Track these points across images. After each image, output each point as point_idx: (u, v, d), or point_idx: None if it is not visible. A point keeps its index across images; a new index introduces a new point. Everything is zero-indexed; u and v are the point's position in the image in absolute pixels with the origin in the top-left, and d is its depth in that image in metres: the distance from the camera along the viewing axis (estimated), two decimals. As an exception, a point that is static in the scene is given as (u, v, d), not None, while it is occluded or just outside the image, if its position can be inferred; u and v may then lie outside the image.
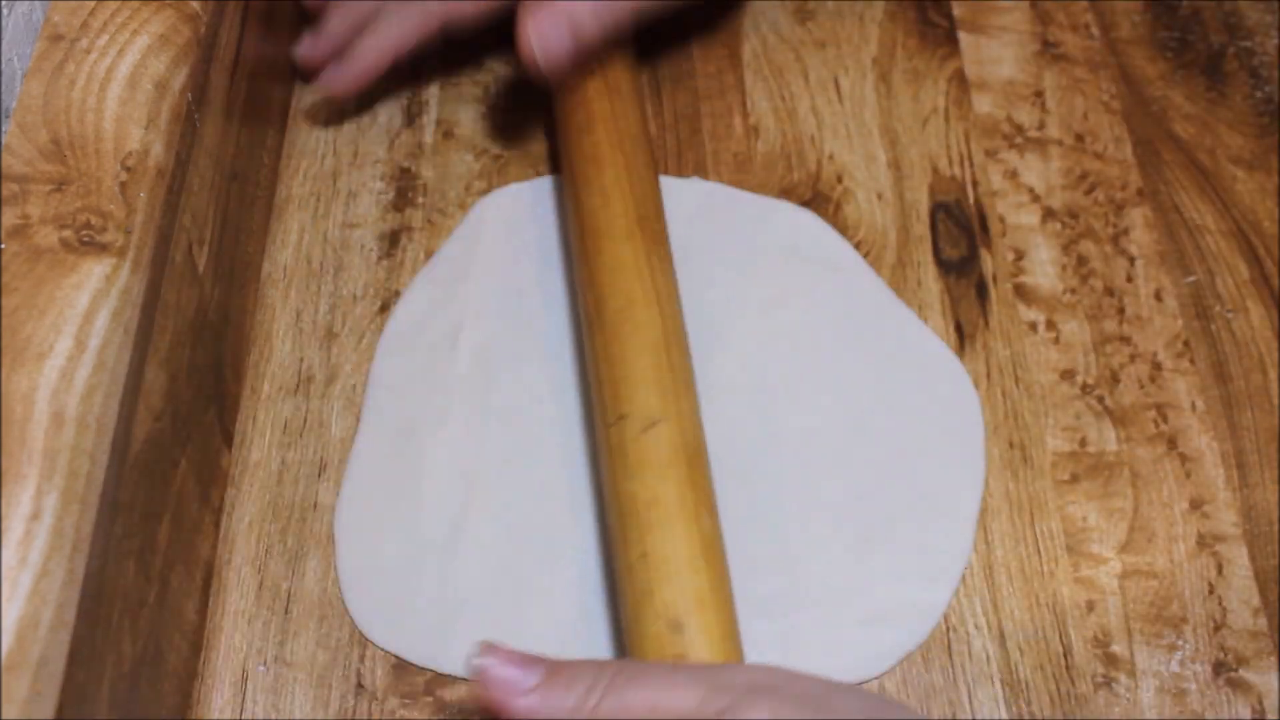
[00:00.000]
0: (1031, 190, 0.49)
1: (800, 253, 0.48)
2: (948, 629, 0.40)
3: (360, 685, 0.39)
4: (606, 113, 0.45)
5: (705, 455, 0.38)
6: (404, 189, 0.49)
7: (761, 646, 0.39)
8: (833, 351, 0.45)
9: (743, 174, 0.50)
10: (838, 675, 0.39)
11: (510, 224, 0.48)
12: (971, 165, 0.50)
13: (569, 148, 0.45)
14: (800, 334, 0.46)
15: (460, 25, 0.48)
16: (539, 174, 0.50)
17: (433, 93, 0.52)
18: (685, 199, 0.49)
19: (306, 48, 0.50)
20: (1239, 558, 0.42)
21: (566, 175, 0.45)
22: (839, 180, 0.50)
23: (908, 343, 0.46)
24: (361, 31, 0.49)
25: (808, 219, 0.48)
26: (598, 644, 0.40)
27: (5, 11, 0.41)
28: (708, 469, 0.38)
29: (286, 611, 0.40)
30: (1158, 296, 0.47)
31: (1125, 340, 0.46)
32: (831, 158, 0.50)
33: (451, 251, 0.48)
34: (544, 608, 0.40)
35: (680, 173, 0.50)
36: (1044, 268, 0.48)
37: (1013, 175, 0.50)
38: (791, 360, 0.45)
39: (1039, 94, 0.52)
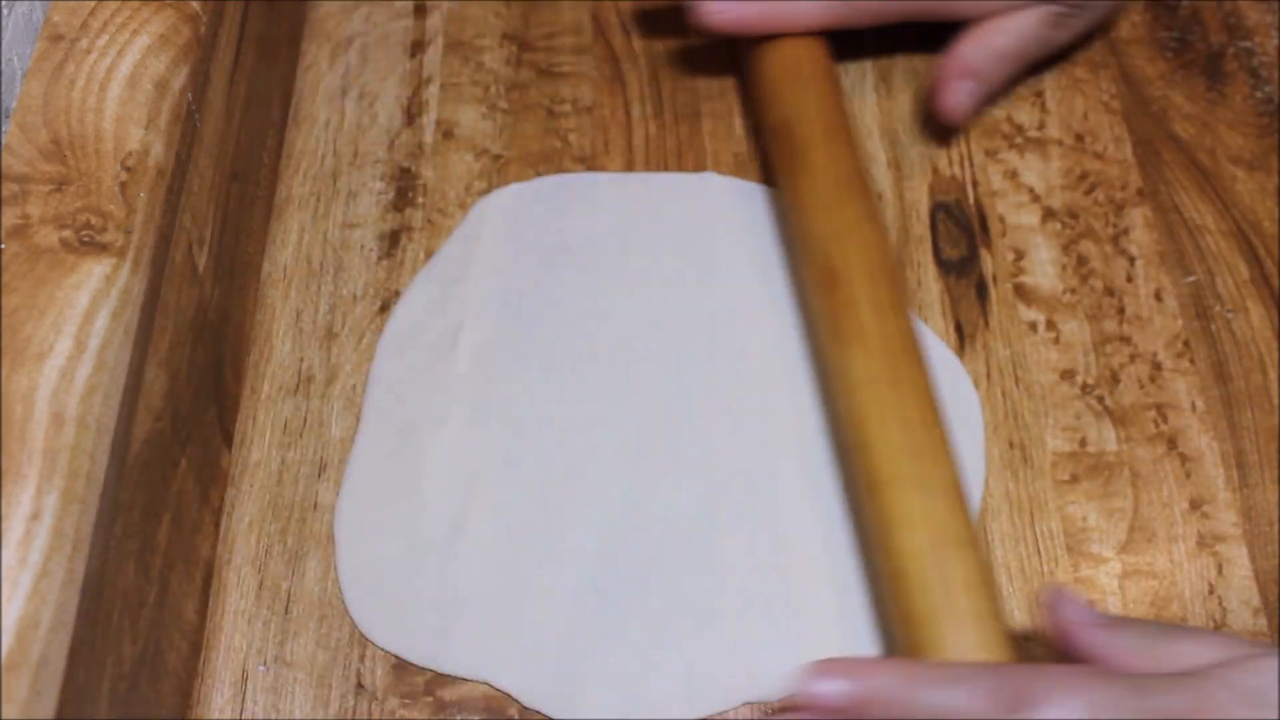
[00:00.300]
0: (1031, 190, 0.49)
1: None
2: (948, 629, 0.40)
3: (360, 685, 0.39)
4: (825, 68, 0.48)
5: None
6: (404, 189, 0.49)
7: (764, 647, 0.40)
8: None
9: (743, 174, 0.50)
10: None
11: (510, 224, 0.48)
12: (971, 165, 0.50)
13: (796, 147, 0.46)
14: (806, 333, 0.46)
15: (859, 26, 0.49)
16: (539, 174, 0.50)
17: (433, 93, 0.52)
18: (700, 193, 0.49)
19: None
20: (1239, 558, 0.42)
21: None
22: (839, 180, 0.50)
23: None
24: None
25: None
26: (598, 645, 0.40)
27: (5, 11, 0.41)
28: None
29: (286, 611, 0.40)
30: (1158, 296, 0.47)
31: (1125, 340, 0.46)
32: (831, 158, 0.50)
33: (451, 251, 0.48)
34: (544, 608, 0.40)
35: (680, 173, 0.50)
36: (1044, 268, 0.48)
37: (1013, 175, 0.50)
38: (796, 360, 0.45)
39: (1039, 94, 0.52)
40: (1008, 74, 0.50)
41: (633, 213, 0.49)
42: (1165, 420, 0.44)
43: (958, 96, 0.48)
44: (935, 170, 0.50)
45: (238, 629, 0.40)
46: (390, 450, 0.43)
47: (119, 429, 0.33)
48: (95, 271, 0.33)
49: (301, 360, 0.45)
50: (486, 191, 0.49)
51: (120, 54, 0.38)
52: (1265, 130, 0.51)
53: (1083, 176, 0.50)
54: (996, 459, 0.43)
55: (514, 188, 0.49)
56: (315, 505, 0.42)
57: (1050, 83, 0.52)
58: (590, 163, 0.50)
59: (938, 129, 0.51)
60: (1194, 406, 0.45)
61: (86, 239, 0.34)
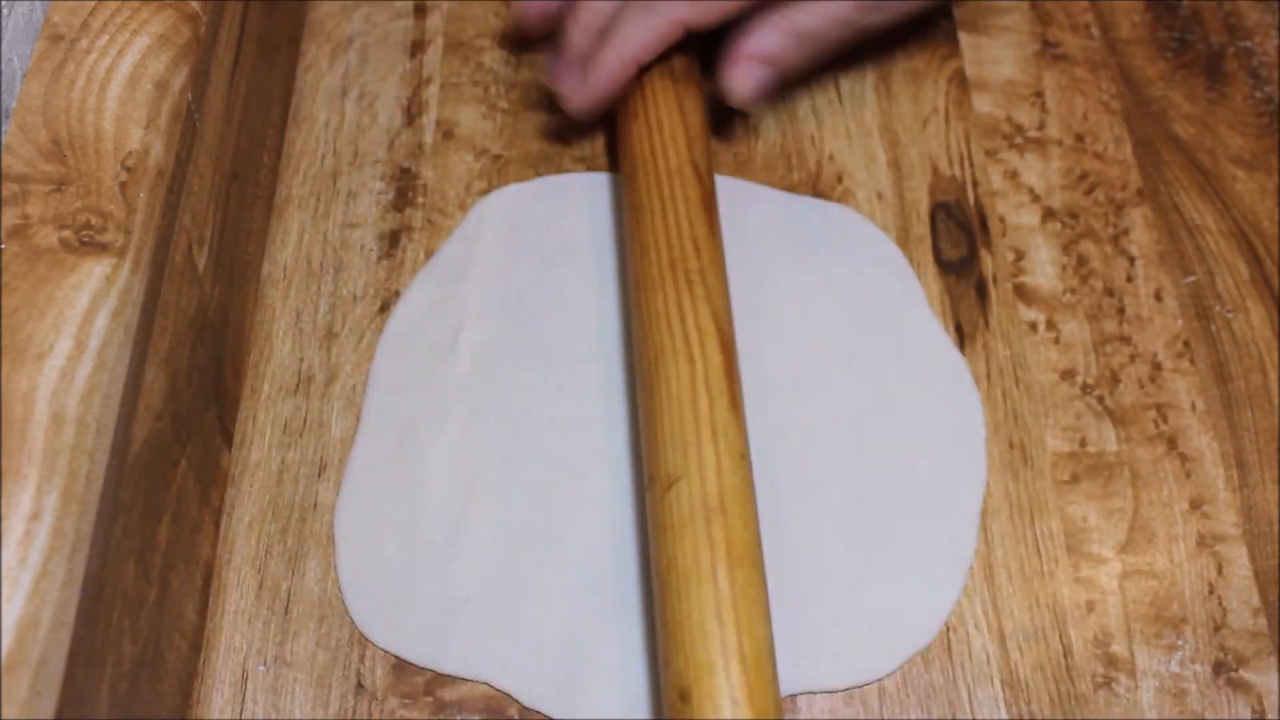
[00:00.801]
0: (1031, 190, 0.50)
1: (834, 250, 0.48)
2: (947, 629, 0.40)
3: (360, 685, 0.39)
4: (646, 154, 0.44)
5: (739, 504, 0.36)
6: (404, 189, 0.49)
7: (761, 646, 0.40)
8: (844, 352, 0.45)
9: (743, 174, 0.50)
10: (842, 678, 0.39)
11: (510, 224, 0.48)
12: (971, 165, 0.50)
13: (624, 197, 0.45)
14: (814, 333, 0.46)
15: (703, 28, 0.46)
16: (539, 174, 0.50)
17: (433, 93, 0.52)
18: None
19: (560, 73, 0.48)
20: (1239, 558, 0.42)
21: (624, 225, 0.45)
22: (839, 180, 0.50)
23: (912, 340, 0.46)
24: (600, 41, 0.46)
25: (841, 214, 0.48)
26: (598, 645, 0.40)
27: (5, 11, 0.41)
28: (741, 518, 0.36)
29: (286, 611, 0.40)
30: (1158, 296, 0.47)
31: (1125, 340, 0.46)
32: (831, 158, 0.50)
33: (451, 251, 0.48)
34: (544, 608, 0.40)
35: (680, 173, 0.50)
36: (1044, 268, 0.48)
37: (1013, 175, 0.50)
38: (795, 359, 0.45)
39: (1039, 94, 0.52)
40: (808, 56, 0.47)
41: (633, 213, 0.49)
42: (1165, 420, 0.44)
43: (748, 80, 0.46)
44: (935, 170, 0.50)
45: (238, 629, 0.40)
46: (390, 450, 0.43)
47: (119, 429, 0.33)
48: (95, 271, 0.33)
49: (301, 360, 0.45)
50: (486, 191, 0.49)
51: (120, 54, 0.38)
52: (1265, 130, 0.51)
53: (1083, 176, 0.50)
54: (996, 459, 0.43)
55: (514, 188, 0.49)
56: (315, 505, 0.42)
57: (1050, 83, 0.52)
58: (590, 163, 0.50)
59: (938, 129, 0.51)
60: (1194, 406, 0.45)
61: (86, 239, 0.34)
